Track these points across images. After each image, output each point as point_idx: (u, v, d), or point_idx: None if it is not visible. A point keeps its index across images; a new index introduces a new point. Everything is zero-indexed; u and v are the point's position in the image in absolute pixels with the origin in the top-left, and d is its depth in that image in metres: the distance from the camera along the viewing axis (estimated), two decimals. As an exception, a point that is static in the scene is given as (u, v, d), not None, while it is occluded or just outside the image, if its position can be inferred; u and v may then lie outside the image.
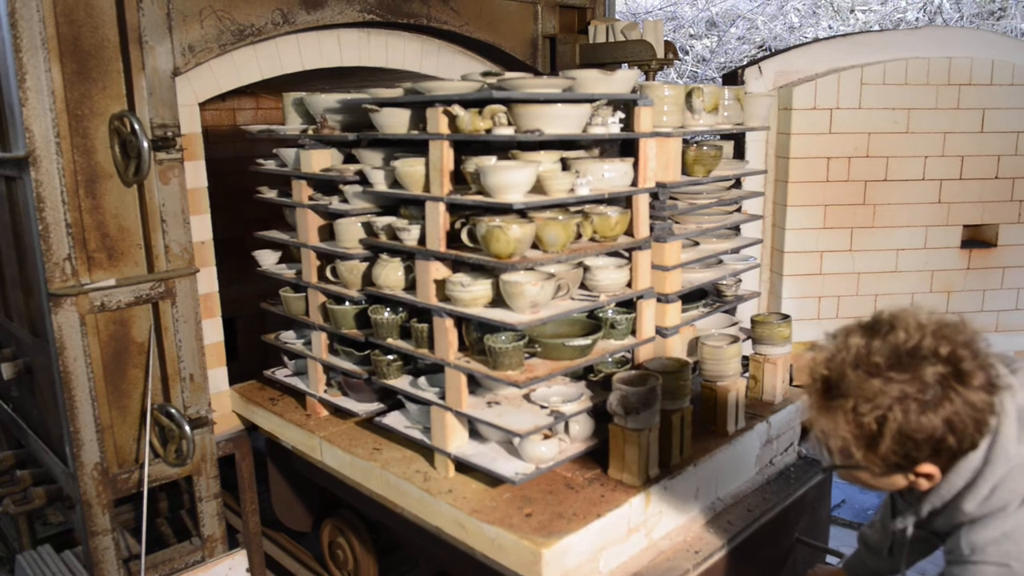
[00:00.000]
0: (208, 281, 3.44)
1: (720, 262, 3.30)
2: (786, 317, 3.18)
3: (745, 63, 5.16)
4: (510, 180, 2.38)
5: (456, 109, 2.46)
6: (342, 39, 3.77)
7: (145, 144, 2.86)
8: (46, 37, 2.75)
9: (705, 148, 2.94)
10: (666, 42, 4.25)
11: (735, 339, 3.01)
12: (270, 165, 3.35)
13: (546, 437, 2.57)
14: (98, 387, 3.03)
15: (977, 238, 4.95)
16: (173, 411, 3.14)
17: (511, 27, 4.25)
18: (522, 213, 2.50)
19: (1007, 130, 4.74)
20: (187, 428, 3.11)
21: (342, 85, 4.80)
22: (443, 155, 2.51)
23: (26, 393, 3.65)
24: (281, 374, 3.57)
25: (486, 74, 2.81)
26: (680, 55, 10.79)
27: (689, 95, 2.86)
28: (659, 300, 2.87)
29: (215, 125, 5.64)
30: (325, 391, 3.30)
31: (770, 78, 4.69)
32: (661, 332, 2.91)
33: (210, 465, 3.36)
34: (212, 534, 3.43)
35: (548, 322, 2.55)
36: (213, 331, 3.49)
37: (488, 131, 2.47)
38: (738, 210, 3.43)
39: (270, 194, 3.40)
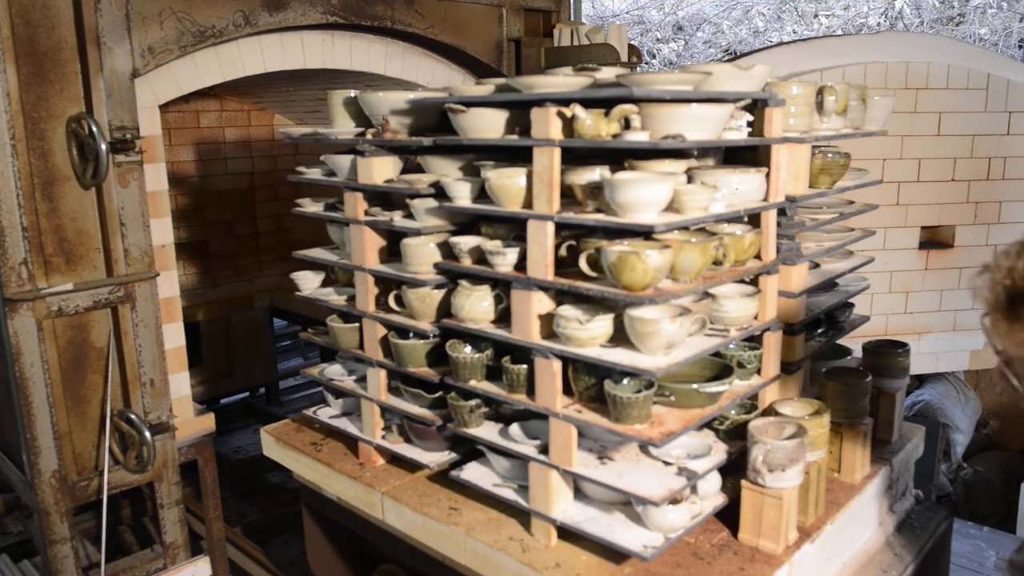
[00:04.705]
0: (169, 285, 3.41)
1: (835, 285, 2.91)
2: (904, 345, 2.80)
3: (709, 67, 5.22)
4: (647, 196, 1.96)
5: (576, 109, 2.06)
6: (305, 41, 3.76)
7: (103, 146, 2.83)
8: (1, 38, 2.71)
9: (831, 156, 2.53)
10: (630, 46, 4.31)
11: (865, 373, 2.64)
12: (314, 173, 2.84)
13: (675, 500, 2.16)
14: (56, 393, 2.99)
15: (934, 239, 5.05)
16: (133, 417, 3.10)
17: (476, 30, 4.26)
18: (647, 235, 2.10)
19: (962, 133, 4.85)
20: (147, 434, 3.07)
21: (305, 87, 4.78)
22: (552, 165, 2.10)
23: (-18, 400, 3.58)
24: (324, 414, 3.02)
25: (581, 68, 2.38)
26: (646, 59, 10.89)
27: (820, 93, 2.53)
28: (785, 332, 2.50)
29: (177, 128, 5.59)
30: (383, 436, 2.80)
31: (733, 82, 4.76)
32: (786, 368, 2.54)
33: (171, 471, 3.32)
34: (174, 541, 3.39)
35: (684, 365, 2.12)
36: (174, 335, 3.46)
37: (614, 136, 2.07)
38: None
39: (314, 208, 2.86)
